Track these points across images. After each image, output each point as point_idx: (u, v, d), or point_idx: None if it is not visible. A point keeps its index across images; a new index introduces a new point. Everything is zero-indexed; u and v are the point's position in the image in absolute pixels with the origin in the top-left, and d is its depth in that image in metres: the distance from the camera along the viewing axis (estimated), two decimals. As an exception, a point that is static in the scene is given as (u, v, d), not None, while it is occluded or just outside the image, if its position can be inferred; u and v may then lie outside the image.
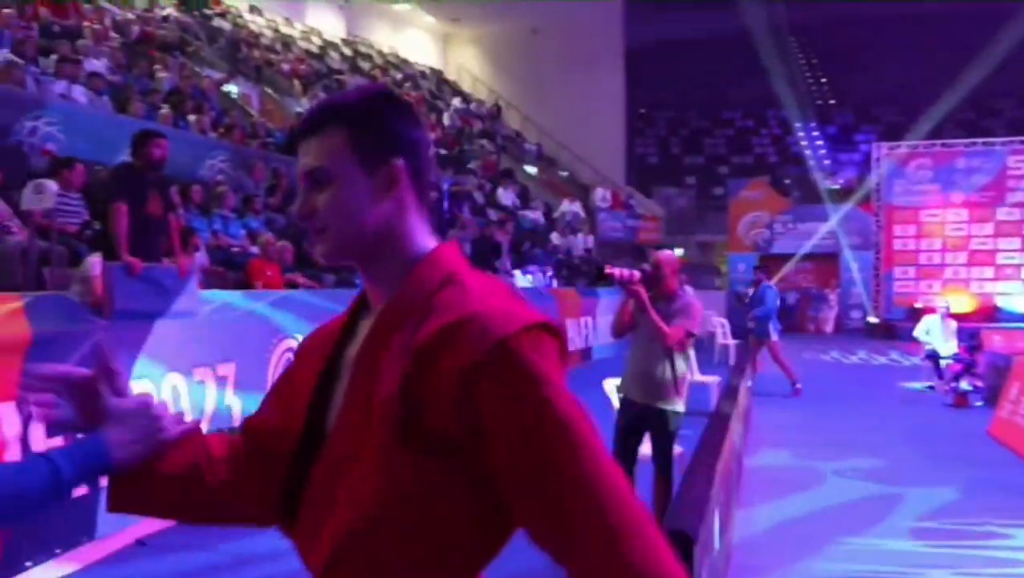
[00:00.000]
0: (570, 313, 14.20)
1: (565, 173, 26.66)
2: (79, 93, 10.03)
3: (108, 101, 10.80)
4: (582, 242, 20.06)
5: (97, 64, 11.56)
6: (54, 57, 10.51)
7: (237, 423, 5.97)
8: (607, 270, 4.61)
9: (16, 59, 9.38)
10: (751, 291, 12.77)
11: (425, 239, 1.20)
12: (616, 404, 5.09)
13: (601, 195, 23.34)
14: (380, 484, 1.05)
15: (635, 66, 29.43)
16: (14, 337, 4.14)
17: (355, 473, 1.07)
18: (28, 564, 4.13)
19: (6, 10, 10.81)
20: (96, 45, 12.58)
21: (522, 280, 13.90)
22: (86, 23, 13.55)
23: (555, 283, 15.58)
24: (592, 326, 15.16)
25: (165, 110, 11.61)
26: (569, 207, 21.26)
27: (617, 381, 5.26)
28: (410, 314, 1.11)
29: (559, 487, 1.00)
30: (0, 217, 6.25)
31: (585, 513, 0.99)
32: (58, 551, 4.33)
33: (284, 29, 24.66)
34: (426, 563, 1.06)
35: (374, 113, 1.19)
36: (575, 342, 14.32)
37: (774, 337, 11.59)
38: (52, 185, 5.90)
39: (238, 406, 6.08)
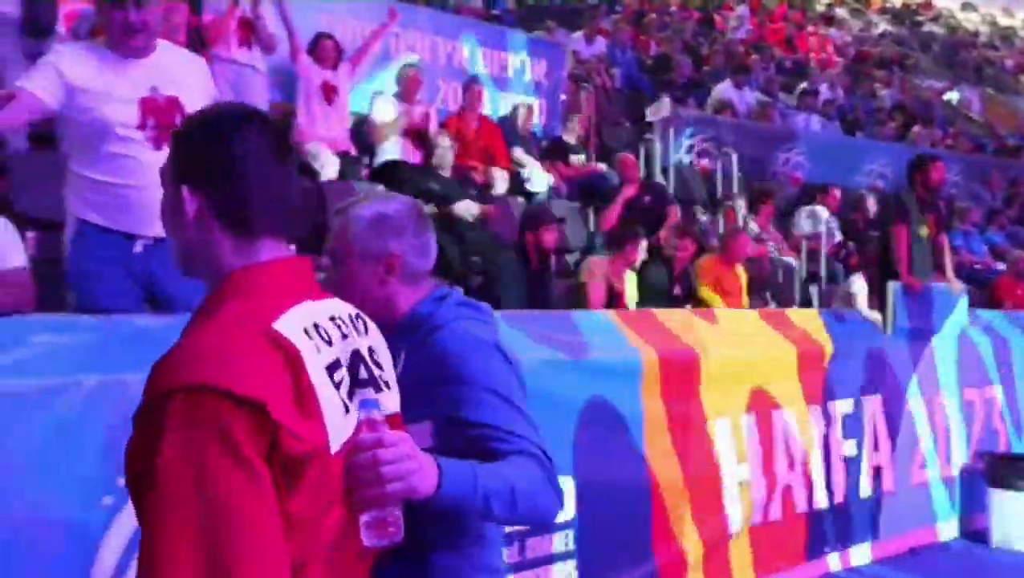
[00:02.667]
0: None
1: None
2: (815, 121, 10.85)
3: (838, 125, 11.44)
4: None
5: (826, 91, 12.32)
6: (797, 91, 11.53)
7: (1016, 449, 5.75)
8: None
9: (765, 98, 10.60)
10: None
11: (231, 259, 1.20)
12: None
13: None
14: None
15: None
16: (819, 348, 4.72)
17: None
18: (826, 549, 4.66)
19: (753, 56, 12.26)
20: (822, 72, 13.40)
21: None
22: (812, 53, 14.56)
23: None
24: None
25: (890, 127, 11.79)
26: None
27: None
28: None
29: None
30: (774, 241, 7.14)
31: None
32: (850, 546, 4.78)
33: (1003, 21, 22.65)
34: None
35: (189, 137, 1.24)
36: None
37: None
38: (824, 211, 6.53)
39: (1004, 432, 5.85)
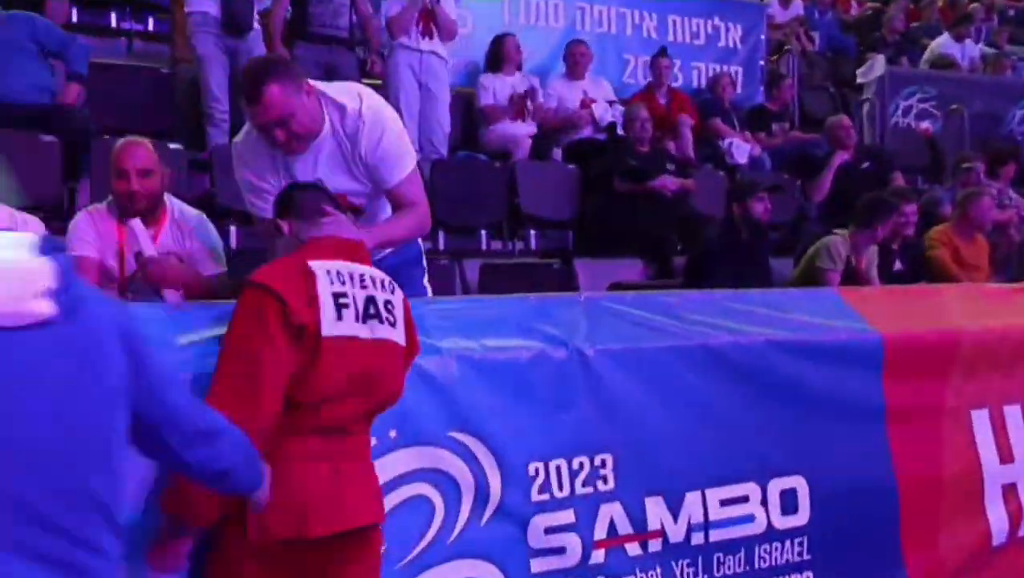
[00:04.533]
0: None
1: None
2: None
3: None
4: None
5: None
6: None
7: None
8: None
9: (991, 50, 9.47)
10: None
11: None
12: None
13: None
14: None
15: None
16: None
17: None
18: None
19: (973, 4, 11.00)
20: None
21: None
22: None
23: None
24: None
25: None
26: None
27: None
28: None
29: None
30: (1018, 207, 6.26)
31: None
32: None
33: None
34: None
35: None
36: None
37: None
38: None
39: None
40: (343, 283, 2.01)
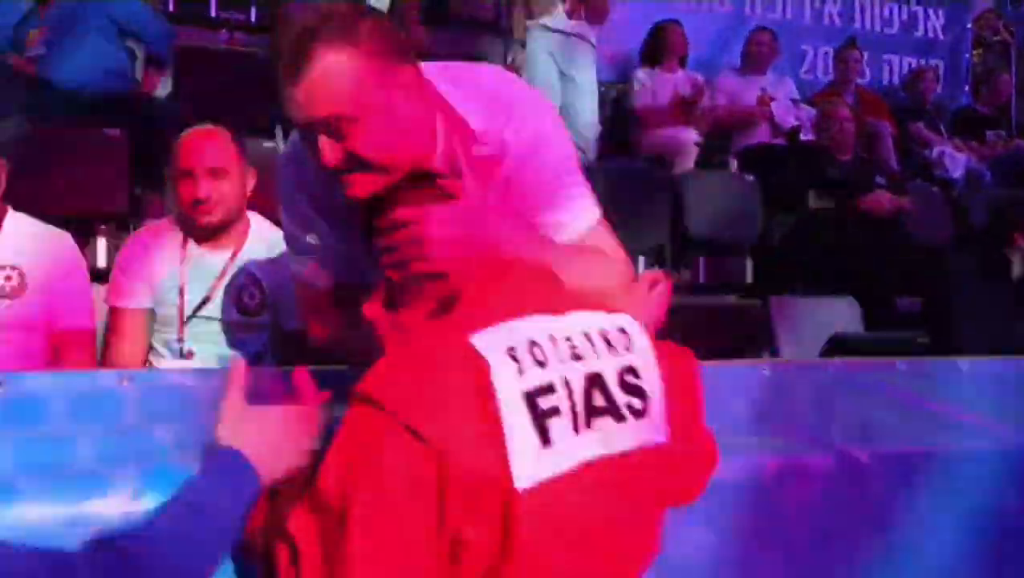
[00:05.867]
0: None
1: None
2: None
3: None
4: None
5: None
6: None
7: None
8: None
9: None
10: None
11: None
12: None
13: None
14: None
15: None
16: None
17: None
18: None
19: None
20: None
21: None
22: None
23: None
24: None
25: None
26: None
27: None
28: None
29: None
30: None
31: None
32: None
33: None
34: None
35: None
36: None
37: None
38: None
39: None
40: (541, 364, 0.99)
